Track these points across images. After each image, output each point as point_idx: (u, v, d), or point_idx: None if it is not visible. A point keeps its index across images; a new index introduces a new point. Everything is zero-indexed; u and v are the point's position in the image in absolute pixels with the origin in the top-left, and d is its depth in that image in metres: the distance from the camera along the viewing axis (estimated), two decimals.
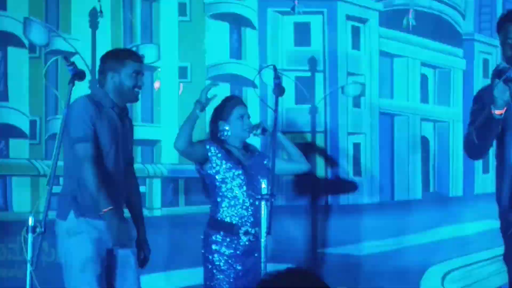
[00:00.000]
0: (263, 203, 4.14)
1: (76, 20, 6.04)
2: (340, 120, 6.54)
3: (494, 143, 4.22)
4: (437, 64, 7.01)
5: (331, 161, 6.48)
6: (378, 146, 6.68)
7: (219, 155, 4.69)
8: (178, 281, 6.04)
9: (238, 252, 4.67)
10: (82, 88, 4.65)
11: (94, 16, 6.06)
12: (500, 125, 4.01)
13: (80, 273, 4.23)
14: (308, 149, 6.15)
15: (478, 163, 6.78)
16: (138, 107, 6.11)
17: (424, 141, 6.91)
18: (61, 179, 4.60)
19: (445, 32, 6.99)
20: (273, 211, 4.18)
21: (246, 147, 4.88)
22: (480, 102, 4.15)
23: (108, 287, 4.38)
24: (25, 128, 5.85)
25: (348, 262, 6.36)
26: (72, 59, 4.23)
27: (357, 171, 6.60)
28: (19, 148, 5.85)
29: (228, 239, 4.66)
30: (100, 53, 4.88)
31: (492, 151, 4.30)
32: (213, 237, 4.66)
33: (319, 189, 6.43)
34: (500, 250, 4.30)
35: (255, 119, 5.13)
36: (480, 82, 6.83)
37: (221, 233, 4.66)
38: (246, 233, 4.67)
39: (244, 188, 4.68)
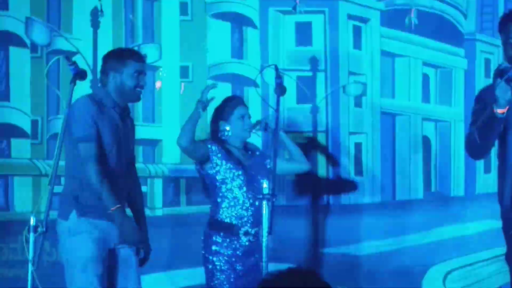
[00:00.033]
0: (264, 203, 4.14)
1: (78, 19, 6.04)
2: (341, 119, 6.54)
3: (496, 142, 4.21)
4: (438, 63, 7.01)
5: (333, 161, 6.47)
6: (380, 146, 6.68)
7: (219, 155, 4.68)
8: (179, 281, 6.04)
9: (238, 252, 4.67)
10: (83, 88, 4.65)
11: (95, 16, 6.06)
12: (503, 125, 4.01)
13: (81, 272, 4.23)
14: (309, 148, 6.15)
15: (480, 163, 6.78)
16: (140, 107, 6.11)
17: (426, 141, 6.91)
18: (62, 179, 4.60)
19: (446, 31, 6.99)
20: (274, 211, 4.18)
21: (247, 147, 4.87)
22: (482, 102, 4.15)
23: (110, 287, 4.38)
24: (27, 128, 5.85)
25: (350, 262, 6.36)
26: (73, 59, 4.23)
27: (359, 170, 6.59)
28: (20, 148, 5.85)
29: (228, 240, 4.66)
30: (101, 52, 4.88)
31: (494, 151, 4.30)
32: (213, 238, 4.66)
33: (321, 189, 6.43)
34: (502, 250, 4.30)
35: (256, 118, 5.12)
36: (481, 82, 6.83)
37: (221, 233, 4.66)
38: (246, 233, 4.67)
39: (244, 188, 4.68)
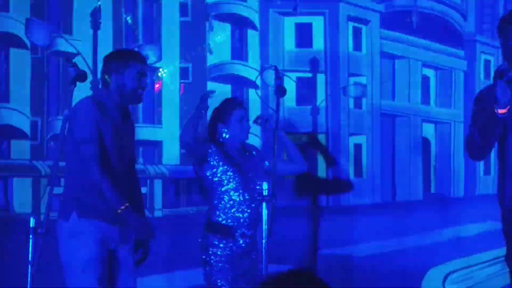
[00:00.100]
0: (264, 205, 4.13)
1: (78, 21, 6.04)
2: (341, 121, 6.54)
3: (496, 143, 4.21)
4: (438, 65, 7.01)
5: (332, 162, 6.47)
6: (380, 147, 6.68)
7: (217, 157, 4.68)
8: (179, 282, 6.04)
9: (235, 254, 4.66)
10: (83, 89, 4.65)
11: (95, 17, 6.06)
12: (503, 125, 4.01)
13: (81, 273, 4.23)
14: (309, 149, 6.15)
15: (480, 164, 6.79)
16: (140, 108, 6.11)
17: (425, 142, 6.92)
18: (61, 180, 4.59)
19: (446, 33, 6.99)
20: (274, 212, 4.17)
21: (244, 148, 4.87)
22: (481, 103, 4.14)
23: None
24: (26, 129, 5.86)
25: (349, 263, 6.35)
26: (74, 60, 4.22)
27: (358, 172, 6.60)
28: (20, 149, 5.86)
29: (224, 241, 4.65)
30: (101, 53, 4.87)
31: (493, 152, 4.29)
32: (210, 239, 4.66)
33: (320, 190, 6.43)
34: (502, 251, 4.30)
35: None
36: (481, 83, 6.83)
37: (218, 235, 4.66)
38: (242, 235, 4.67)
39: (241, 191, 4.67)
